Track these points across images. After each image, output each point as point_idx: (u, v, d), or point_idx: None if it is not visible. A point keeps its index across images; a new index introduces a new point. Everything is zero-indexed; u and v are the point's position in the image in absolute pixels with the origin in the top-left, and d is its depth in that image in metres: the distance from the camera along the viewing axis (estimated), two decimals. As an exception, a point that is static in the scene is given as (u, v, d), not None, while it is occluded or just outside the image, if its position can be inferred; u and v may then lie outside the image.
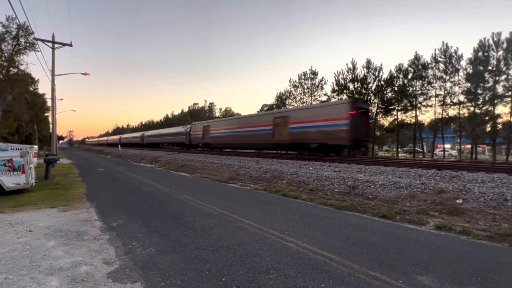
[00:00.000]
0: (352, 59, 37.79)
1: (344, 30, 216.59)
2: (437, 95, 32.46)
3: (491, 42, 28.38)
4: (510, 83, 27.72)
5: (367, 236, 5.32)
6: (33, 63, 79.38)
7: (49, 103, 35.31)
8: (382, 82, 35.44)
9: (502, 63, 27.92)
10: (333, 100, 38.34)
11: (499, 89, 28.41)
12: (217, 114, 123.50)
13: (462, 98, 30.74)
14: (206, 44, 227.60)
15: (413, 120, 33.98)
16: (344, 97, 37.81)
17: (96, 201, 8.91)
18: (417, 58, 33.18)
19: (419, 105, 33.30)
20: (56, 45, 19.37)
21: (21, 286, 3.48)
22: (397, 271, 3.79)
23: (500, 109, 29.20)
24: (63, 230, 5.81)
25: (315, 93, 42.57)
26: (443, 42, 31.66)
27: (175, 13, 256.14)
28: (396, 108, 34.81)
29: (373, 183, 10.10)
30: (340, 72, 38.22)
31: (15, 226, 6.10)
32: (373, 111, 36.77)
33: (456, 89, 31.30)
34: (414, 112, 33.68)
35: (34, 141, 41.33)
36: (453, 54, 31.02)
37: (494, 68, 28.18)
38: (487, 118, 29.32)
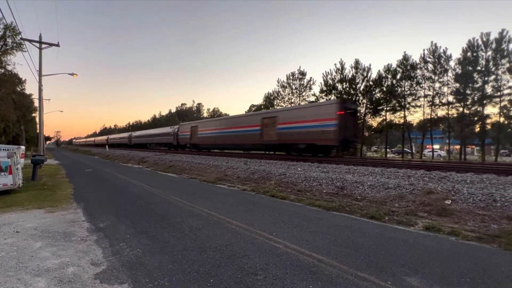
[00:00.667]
0: (341, 59, 38.38)
1: (332, 30, 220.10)
2: (425, 96, 33.37)
3: (480, 42, 29.31)
4: (499, 84, 28.75)
5: (355, 237, 5.40)
6: (20, 64, 79.39)
7: (36, 104, 35.40)
8: (371, 83, 36.11)
9: (491, 63, 28.78)
10: (321, 100, 38.88)
11: (488, 89, 29.32)
12: (205, 115, 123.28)
13: (451, 98, 31.68)
14: (194, 45, 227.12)
15: (402, 121, 34.82)
16: (333, 97, 38.33)
17: (83, 202, 8.95)
18: (405, 58, 33.97)
19: (407, 106, 34.14)
20: (43, 45, 19.48)
21: (9, 287, 3.52)
22: (385, 272, 3.86)
23: (489, 109, 30.18)
24: (50, 231, 5.85)
25: (304, 94, 42.99)
26: (431, 42, 32.52)
27: (162, 14, 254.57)
28: (385, 108, 35.56)
29: (362, 183, 10.28)
30: (328, 72, 38.75)
31: (2, 227, 6.13)
32: (361, 111, 37.45)
33: (445, 89, 32.27)
34: (402, 112, 34.53)
35: (21, 141, 41.01)
36: (442, 54, 31.95)
37: (483, 68, 29.05)
38: (476, 118, 30.29)
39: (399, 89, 34.32)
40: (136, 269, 4.04)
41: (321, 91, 39.36)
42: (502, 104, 29.09)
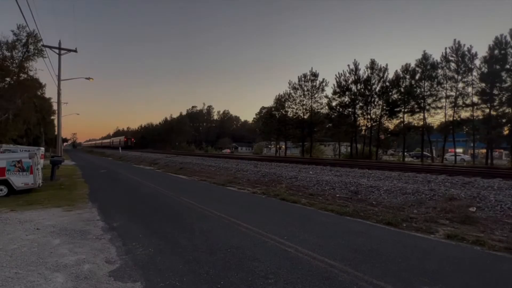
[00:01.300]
0: (355, 59, 37.84)
1: (347, 30, 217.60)
2: (447, 96, 32.39)
3: (508, 39, 28.05)
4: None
5: (370, 243, 5.31)
6: (41, 69, 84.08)
7: (55, 107, 37.26)
8: (387, 83, 35.47)
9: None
10: (333, 103, 38.91)
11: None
12: (215, 117, 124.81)
13: (475, 99, 30.49)
14: (205, 48, 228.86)
15: (421, 123, 33.96)
16: (346, 99, 37.88)
17: (98, 202, 9.41)
18: (425, 57, 33.05)
19: (427, 107, 33.25)
20: (62, 51, 20.69)
21: (30, 281, 3.74)
22: (403, 281, 3.77)
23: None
24: (67, 229, 6.22)
25: (316, 95, 42.70)
26: (454, 40, 31.47)
27: (174, 17, 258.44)
28: (403, 110, 34.86)
29: (377, 188, 10.11)
30: (341, 73, 38.30)
31: (24, 224, 6.61)
32: (377, 113, 36.89)
33: (469, 89, 31.11)
34: (422, 114, 33.68)
35: (41, 143, 43.36)
36: (466, 52, 30.87)
37: (512, 67, 27.83)
38: (504, 120, 29.04)
39: (418, 90, 33.51)
40: (148, 268, 4.17)
41: (334, 92, 39.01)
42: (532, 105, 27.90)
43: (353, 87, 37.46)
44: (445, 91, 32.49)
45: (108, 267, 4.24)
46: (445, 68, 32.22)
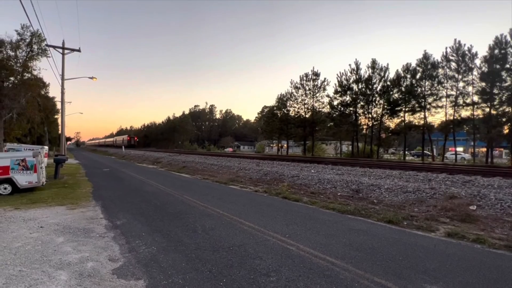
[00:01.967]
0: (356, 59, 37.70)
1: (348, 31, 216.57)
2: (448, 96, 32.17)
3: (508, 38, 27.83)
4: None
5: (371, 241, 5.29)
6: (45, 68, 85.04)
7: (58, 106, 37.48)
8: (388, 83, 35.32)
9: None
10: (335, 102, 38.87)
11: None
12: (218, 116, 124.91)
13: (476, 98, 30.27)
14: (210, 48, 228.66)
15: (422, 122, 33.79)
16: (347, 98, 37.82)
17: (101, 200, 9.42)
18: (426, 57, 32.85)
19: (428, 106, 33.06)
20: (65, 51, 20.67)
21: (34, 278, 3.74)
22: (404, 279, 3.76)
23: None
24: (71, 227, 6.22)
25: (317, 95, 42.56)
26: (455, 40, 31.23)
27: (177, 16, 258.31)
28: (403, 109, 34.70)
29: (378, 187, 10.08)
30: (343, 73, 38.19)
31: (28, 222, 6.61)
32: (378, 112, 36.75)
33: (470, 89, 30.89)
34: (422, 113, 33.51)
35: (45, 142, 43.70)
36: (466, 52, 30.67)
37: (512, 66, 27.59)
38: (504, 119, 28.85)
39: (419, 89, 33.35)
40: (151, 266, 4.17)
41: (336, 91, 38.90)
42: (533, 104, 27.66)
43: (355, 87, 37.35)
44: (445, 90, 32.31)
45: (111, 265, 4.24)
46: (445, 67, 32.03)
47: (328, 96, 41.07)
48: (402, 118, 35.45)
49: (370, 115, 37.24)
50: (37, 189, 11.33)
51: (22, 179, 10.65)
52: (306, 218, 6.96)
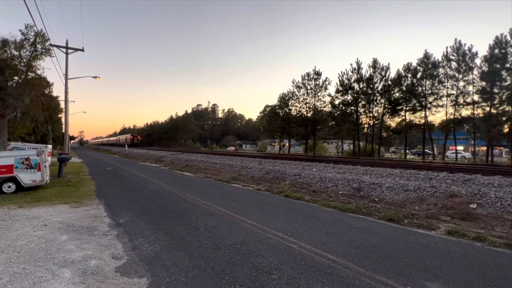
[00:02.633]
0: (357, 58, 37.75)
1: (349, 30, 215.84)
2: (448, 95, 32.06)
3: (508, 38, 27.74)
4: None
5: (373, 239, 5.28)
6: (49, 68, 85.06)
7: (62, 105, 37.79)
8: (389, 82, 35.23)
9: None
10: (336, 101, 38.88)
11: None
12: (220, 115, 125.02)
13: (476, 97, 30.17)
14: (212, 47, 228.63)
15: (423, 121, 33.69)
16: (349, 97, 37.75)
17: (104, 199, 9.42)
18: (426, 56, 32.75)
19: (429, 105, 32.96)
20: (69, 51, 20.89)
21: (38, 276, 3.75)
22: (405, 277, 3.75)
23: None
24: (74, 225, 6.23)
25: (319, 94, 42.48)
26: (455, 39, 31.09)
27: (179, 16, 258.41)
28: (404, 108, 34.59)
29: (379, 185, 10.05)
30: (344, 72, 38.14)
31: (32, 220, 6.62)
32: (379, 111, 36.66)
33: (470, 88, 30.78)
34: (423, 112, 33.41)
35: (49, 141, 43.82)
36: (467, 51, 30.55)
37: (512, 65, 27.46)
38: (504, 118, 28.74)
39: (420, 88, 33.23)
40: (154, 264, 4.18)
41: (337, 91, 38.82)
42: (533, 103, 27.48)
43: (356, 86, 37.27)
44: (446, 89, 32.22)
45: (114, 262, 4.25)
46: (446, 67, 31.92)
47: (329, 95, 41.05)
48: (403, 117, 35.35)
49: (371, 114, 37.16)
50: (41, 187, 11.35)
51: (26, 177, 10.68)
52: (307, 216, 6.96)
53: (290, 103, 46.36)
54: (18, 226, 6.07)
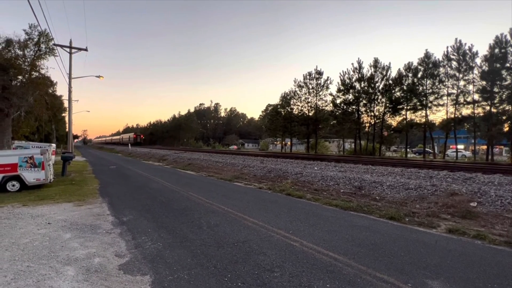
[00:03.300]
0: (358, 58, 37.60)
1: (350, 30, 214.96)
2: (449, 94, 31.96)
3: (508, 38, 27.63)
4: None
5: (374, 237, 5.27)
6: (53, 67, 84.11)
7: (66, 104, 37.92)
8: (390, 81, 35.15)
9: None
10: (338, 100, 38.88)
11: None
12: (222, 114, 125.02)
13: (476, 97, 30.08)
14: (214, 46, 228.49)
15: (423, 120, 33.60)
16: (350, 96, 37.69)
17: (108, 197, 9.41)
18: (427, 56, 32.66)
19: (429, 104, 32.87)
20: (73, 50, 20.76)
21: (42, 274, 3.75)
22: (406, 274, 3.74)
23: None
24: (78, 224, 6.23)
25: (320, 93, 42.45)
26: (456, 39, 30.99)
27: (181, 15, 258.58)
28: (405, 107, 34.49)
29: (381, 184, 10.03)
30: (346, 71, 38.09)
31: (36, 218, 6.61)
32: (380, 110, 36.57)
33: (470, 87, 30.71)
34: (424, 111, 33.30)
35: (52, 139, 43.92)
36: (467, 51, 30.45)
37: (512, 65, 27.35)
38: (504, 117, 28.65)
39: (421, 88, 33.14)
40: (157, 261, 4.18)
41: (338, 90, 38.75)
42: (533, 102, 27.32)
43: (357, 85, 37.19)
44: (446, 89, 32.14)
45: (118, 260, 4.25)
46: (446, 66, 31.84)
47: (331, 94, 41.01)
48: (404, 116, 35.25)
49: (372, 113, 37.08)
50: (44, 186, 11.35)
51: (30, 176, 10.69)
52: (309, 215, 6.95)
53: (292, 102, 46.35)
54: (22, 224, 6.07)
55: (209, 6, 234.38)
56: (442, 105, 32.60)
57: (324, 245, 4.81)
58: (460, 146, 42.48)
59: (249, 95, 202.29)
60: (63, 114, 51.04)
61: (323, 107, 42.70)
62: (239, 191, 10.60)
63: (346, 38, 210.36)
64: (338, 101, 39.38)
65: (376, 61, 35.93)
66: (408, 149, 40.84)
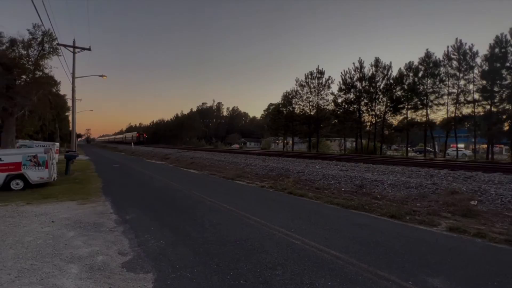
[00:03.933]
0: (360, 57, 37.48)
1: (352, 29, 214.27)
2: (449, 93, 31.88)
3: (508, 37, 27.56)
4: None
5: (375, 235, 5.25)
6: (56, 67, 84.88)
7: (69, 103, 38.18)
8: (391, 81, 35.10)
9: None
10: (339, 99, 38.83)
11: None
12: (225, 113, 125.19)
13: (477, 96, 30.04)
14: (217, 46, 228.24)
15: (424, 119, 33.52)
16: (351, 96, 37.62)
17: (111, 195, 9.40)
18: (428, 55, 32.59)
19: (430, 104, 32.80)
20: (76, 50, 20.80)
21: (45, 272, 3.74)
22: (406, 272, 3.73)
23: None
24: (81, 222, 6.22)
25: (322, 92, 42.43)
26: (456, 39, 30.89)
27: (184, 15, 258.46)
28: (406, 106, 34.42)
29: (382, 182, 10.00)
30: (347, 71, 38.09)
31: (39, 216, 6.61)
32: (381, 110, 36.49)
33: (471, 86, 30.65)
34: (425, 110, 33.22)
35: (56, 138, 44.09)
36: (468, 51, 30.35)
37: (512, 65, 27.28)
38: (504, 116, 28.58)
39: (421, 87, 33.06)
40: (159, 259, 4.17)
41: (340, 89, 38.69)
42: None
43: (358, 84, 37.17)
44: (447, 88, 32.09)
45: (121, 258, 4.24)
46: (447, 66, 31.79)
47: (332, 93, 41.11)
48: (405, 115, 35.21)
49: (373, 113, 37.05)
50: (48, 184, 11.34)
51: (34, 174, 10.67)
52: (311, 213, 6.94)
53: (293, 102, 46.40)
54: (26, 223, 6.07)
55: (212, 6, 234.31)
56: (443, 104, 32.55)
57: (326, 243, 4.80)
58: (461, 145, 42.30)
59: (252, 94, 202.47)
60: (67, 113, 51.25)
61: (325, 106, 42.76)
62: (241, 190, 10.60)
63: (348, 38, 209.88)
64: (339, 100, 39.43)
65: (377, 60, 35.91)
66: (409, 148, 40.71)
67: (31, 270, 3.78)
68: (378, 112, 36.83)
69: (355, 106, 37.74)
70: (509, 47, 27.58)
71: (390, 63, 35.94)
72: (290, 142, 56.08)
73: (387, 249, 4.54)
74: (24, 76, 21.11)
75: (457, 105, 31.39)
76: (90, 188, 11.02)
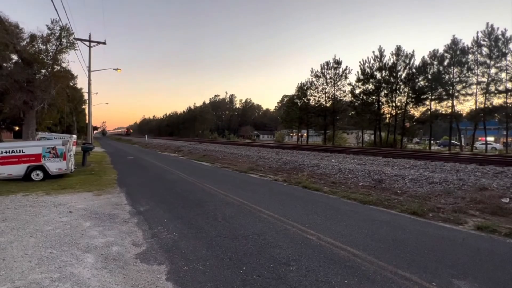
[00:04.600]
0: (380, 46, 36.12)
1: (371, 16, 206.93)
2: (479, 83, 30.27)
3: (547, 21, 25.80)
4: None
5: (395, 233, 5.09)
6: (73, 61, 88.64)
7: (85, 97, 39.55)
8: (414, 70, 33.70)
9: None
10: (357, 90, 37.84)
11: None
12: (237, 106, 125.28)
13: (509, 85, 28.39)
14: (231, 38, 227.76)
15: (449, 110, 32.09)
16: (370, 86, 36.55)
17: (125, 187, 9.70)
18: (455, 42, 30.93)
19: (456, 94, 31.30)
20: (92, 44, 21.60)
21: (63, 260, 3.91)
22: (430, 273, 3.57)
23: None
24: (97, 212, 6.45)
25: (338, 83, 41.39)
26: (487, 23, 29.08)
27: (200, 8, 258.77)
28: (429, 97, 33.08)
29: (402, 177, 9.69)
30: (366, 60, 36.79)
31: (58, 207, 6.92)
32: (402, 101, 35.29)
33: (503, 75, 28.90)
34: (450, 101, 31.79)
35: (73, 131, 45.98)
36: (500, 36, 28.57)
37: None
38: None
39: (447, 76, 31.57)
40: (172, 251, 4.23)
41: (358, 80, 37.62)
42: None
43: (378, 74, 35.98)
44: (476, 77, 30.42)
45: (135, 249, 4.33)
46: (476, 53, 30.08)
47: (350, 84, 40.00)
48: (428, 107, 33.88)
49: (393, 104, 35.86)
50: (66, 175, 11.80)
51: (53, 166, 11.15)
52: (326, 208, 6.82)
53: (308, 93, 45.62)
54: (45, 212, 6.33)
55: (226, 0, 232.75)
56: (471, 95, 30.98)
57: (342, 239, 4.69)
58: (490, 138, 40.41)
59: (265, 85, 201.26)
60: (83, 106, 52.98)
61: (341, 98, 41.81)
62: (254, 183, 10.59)
63: (367, 26, 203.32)
64: (357, 91, 38.41)
65: (398, 48, 34.52)
66: (432, 141, 39.34)
67: (50, 258, 3.94)
68: (398, 104, 35.62)
69: (374, 97, 36.65)
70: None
71: (413, 51, 34.51)
72: (305, 134, 55.48)
73: (408, 247, 4.38)
74: (43, 70, 21.90)
75: (487, 95, 29.77)
76: (106, 179, 11.36)
